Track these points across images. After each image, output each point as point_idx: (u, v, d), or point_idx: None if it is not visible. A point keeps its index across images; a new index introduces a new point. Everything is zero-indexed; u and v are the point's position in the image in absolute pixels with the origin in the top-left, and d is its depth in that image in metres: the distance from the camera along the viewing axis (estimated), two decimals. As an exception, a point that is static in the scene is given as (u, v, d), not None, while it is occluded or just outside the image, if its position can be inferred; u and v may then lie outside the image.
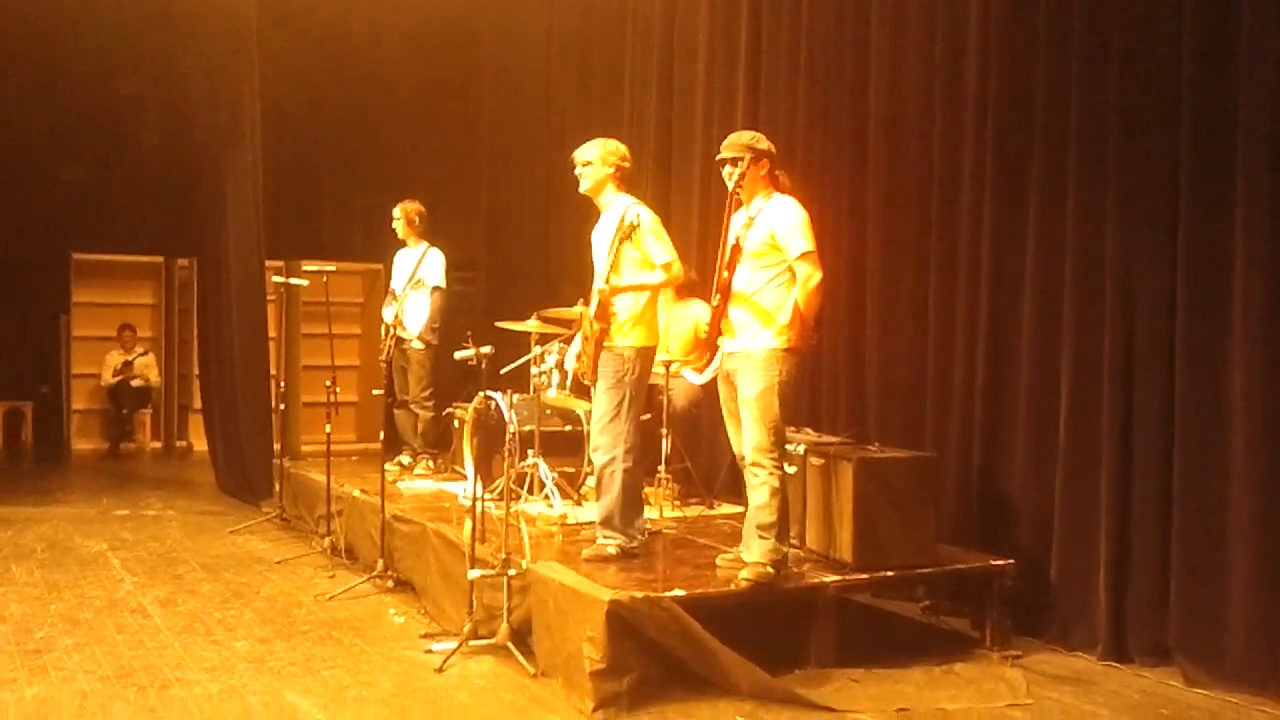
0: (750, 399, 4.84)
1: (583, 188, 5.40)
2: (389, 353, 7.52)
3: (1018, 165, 5.53)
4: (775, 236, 4.85)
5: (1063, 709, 4.43)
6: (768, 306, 4.86)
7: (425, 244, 7.83)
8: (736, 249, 4.91)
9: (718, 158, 5.01)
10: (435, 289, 7.71)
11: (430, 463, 7.79)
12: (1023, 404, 5.49)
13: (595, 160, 5.33)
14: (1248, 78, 4.58)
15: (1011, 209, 5.56)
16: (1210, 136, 4.71)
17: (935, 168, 6.00)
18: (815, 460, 5.24)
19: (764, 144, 5.00)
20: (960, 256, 5.84)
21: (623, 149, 5.40)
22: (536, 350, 6.64)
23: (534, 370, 6.62)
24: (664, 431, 6.46)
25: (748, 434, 4.86)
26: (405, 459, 7.89)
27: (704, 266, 7.47)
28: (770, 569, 4.77)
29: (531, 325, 6.60)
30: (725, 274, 4.91)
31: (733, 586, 4.72)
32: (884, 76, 6.31)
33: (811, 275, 4.83)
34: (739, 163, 4.91)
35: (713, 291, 5.01)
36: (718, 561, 5.07)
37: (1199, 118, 4.75)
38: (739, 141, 5.00)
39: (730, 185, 4.92)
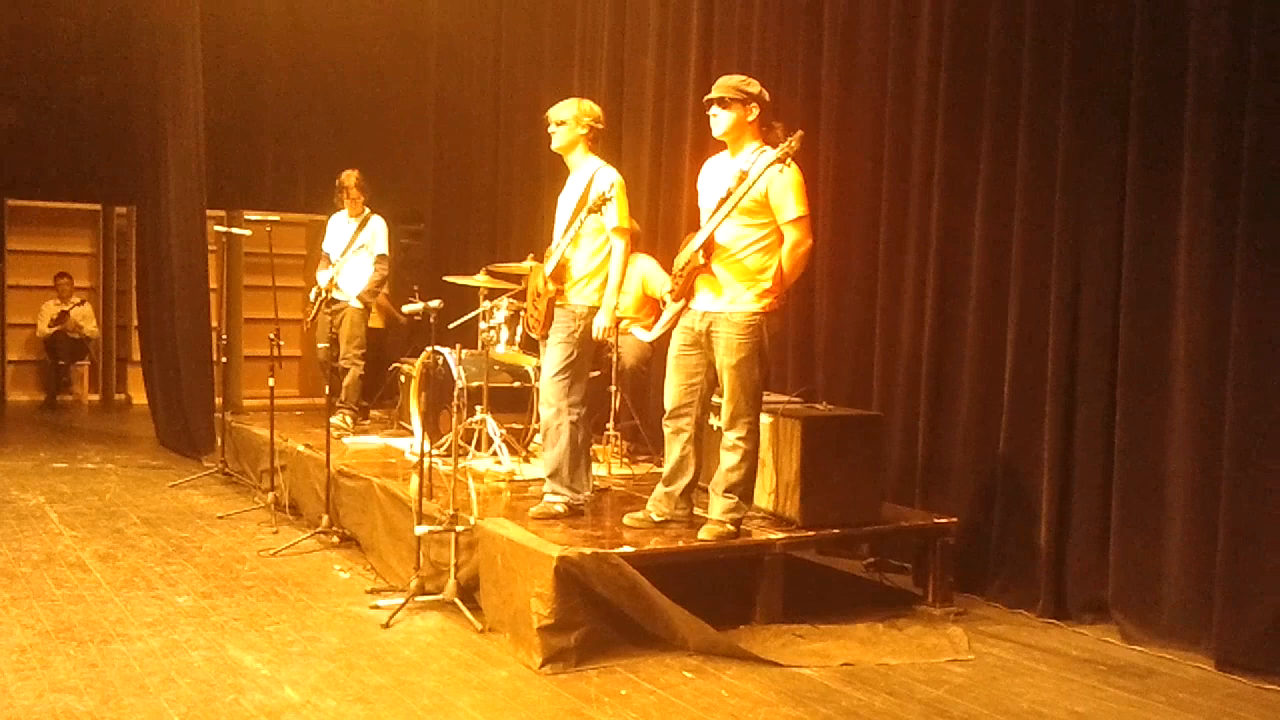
0: (731, 366, 4.75)
1: (554, 145, 5.36)
2: (315, 315, 7.56)
3: (968, 128, 5.55)
4: (769, 196, 4.69)
5: (1003, 665, 4.51)
6: (751, 268, 4.74)
7: (367, 210, 7.83)
8: (724, 201, 4.71)
9: (705, 98, 4.84)
10: (381, 257, 7.81)
11: (349, 419, 7.68)
12: (968, 363, 5.54)
13: (569, 120, 5.28)
14: (1197, 46, 4.61)
15: (961, 170, 5.58)
16: (1158, 99, 4.75)
17: (886, 129, 6.00)
18: (764, 419, 5.25)
19: (754, 87, 4.79)
20: (910, 217, 5.86)
21: (596, 110, 5.36)
22: (485, 305, 6.58)
23: (482, 325, 6.57)
24: (613, 389, 6.45)
25: (726, 398, 4.81)
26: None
27: (654, 222, 7.46)
28: (731, 527, 4.80)
29: (480, 280, 6.55)
30: (709, 229, 4.72)
31: (681, 542, 4.73)
32: (837, 34, 6.28)
33: (801, 242, 4.74)
34: (727, 105, 4.74)
35: (682, 243, 4.93)
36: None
37: (1148, 81, 4.79)
38: (728, 83, 4.80)
39: (715, 128, 4.78)
